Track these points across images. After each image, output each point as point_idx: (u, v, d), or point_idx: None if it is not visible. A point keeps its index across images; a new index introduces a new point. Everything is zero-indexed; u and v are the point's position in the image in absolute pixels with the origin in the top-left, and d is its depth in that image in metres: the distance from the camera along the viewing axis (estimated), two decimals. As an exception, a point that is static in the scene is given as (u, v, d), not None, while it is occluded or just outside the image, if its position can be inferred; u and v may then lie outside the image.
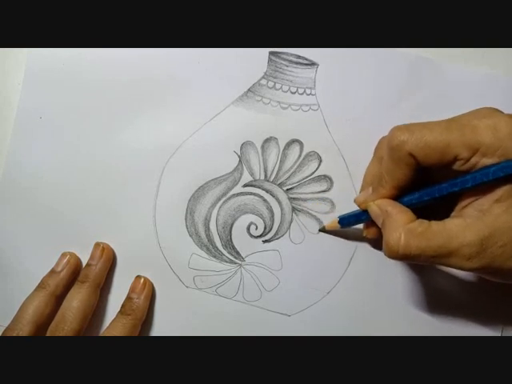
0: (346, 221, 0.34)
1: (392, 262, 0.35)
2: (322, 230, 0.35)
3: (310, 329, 0.36)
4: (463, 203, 0.28)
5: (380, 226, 0.30)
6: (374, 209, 0.30)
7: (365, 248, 0.35)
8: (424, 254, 0.27)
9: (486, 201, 0.27)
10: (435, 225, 0.27)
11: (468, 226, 0.27)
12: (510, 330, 0.35)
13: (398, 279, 0.35)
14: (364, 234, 0.33)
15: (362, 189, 0.34)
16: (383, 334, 0.35)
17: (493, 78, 0.34)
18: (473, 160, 0.26)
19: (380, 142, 0.33)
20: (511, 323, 0.35)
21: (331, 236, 0.35)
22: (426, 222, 0.28)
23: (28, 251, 0.37)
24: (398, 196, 0.30)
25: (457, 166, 0.27)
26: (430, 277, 0.35)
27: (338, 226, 0.34)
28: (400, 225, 0.28)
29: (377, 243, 0.35)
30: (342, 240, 0.35)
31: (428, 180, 0.29)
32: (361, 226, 0.34)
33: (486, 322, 0.35)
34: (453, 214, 0.29)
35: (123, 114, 0.36)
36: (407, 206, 0.29)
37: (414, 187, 0.29)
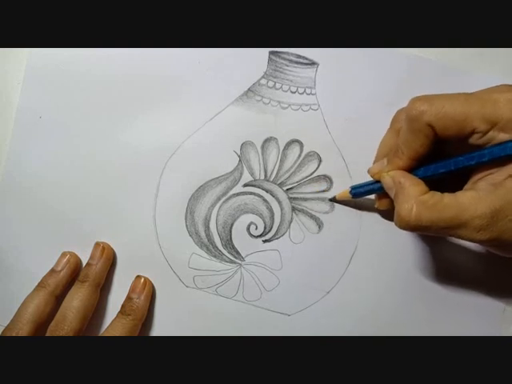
0: (357, 191, 0.33)
1: (392, 261, 0.35)
2: (333, 199, 0.35)
3: (309, 328, 0.36)
4: (476, 177, 0.28)
5: (392, 197, 0.30)
6: (387, 180, 0.30)
7: (365, 247, 0.35)
8: (435, 225, 0.27)
9: (499, 175, 0.27)
10: (447, 197, 0.27)
11: (480, 198, 0.26)
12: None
13: (398, 279, 0.35)
14: (376, 206, 0.33)
15: (376, 160, 0.34)
16: (383, 333, 0.35)
17: (492, 78, 0.34)
18: (490, 134, 0.26)
19: (397, 113, 0.32)
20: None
21: (331, 236, 0.35)
22: (438, 193, 0.28)
23: (28, 251, 0.37)
24: (413, 168, 0.30)
25: (473, 140, 0.27)
26: (430, 277, 0.35)
27: (350, 195, 0.34)
28: (412, 196, 0.28)
29: (387, 214, 0.34)
30: (342, 239, 0.35)
31: (442, 156, 0.29)
32: (372, 197, 0.34)
33: (488, 315, 0.35)
34: (465, 187, 0.29)
35: (123, 114, 0.36)
36: (421, 179, 0.29)
37: (428, 162, 0.29)
